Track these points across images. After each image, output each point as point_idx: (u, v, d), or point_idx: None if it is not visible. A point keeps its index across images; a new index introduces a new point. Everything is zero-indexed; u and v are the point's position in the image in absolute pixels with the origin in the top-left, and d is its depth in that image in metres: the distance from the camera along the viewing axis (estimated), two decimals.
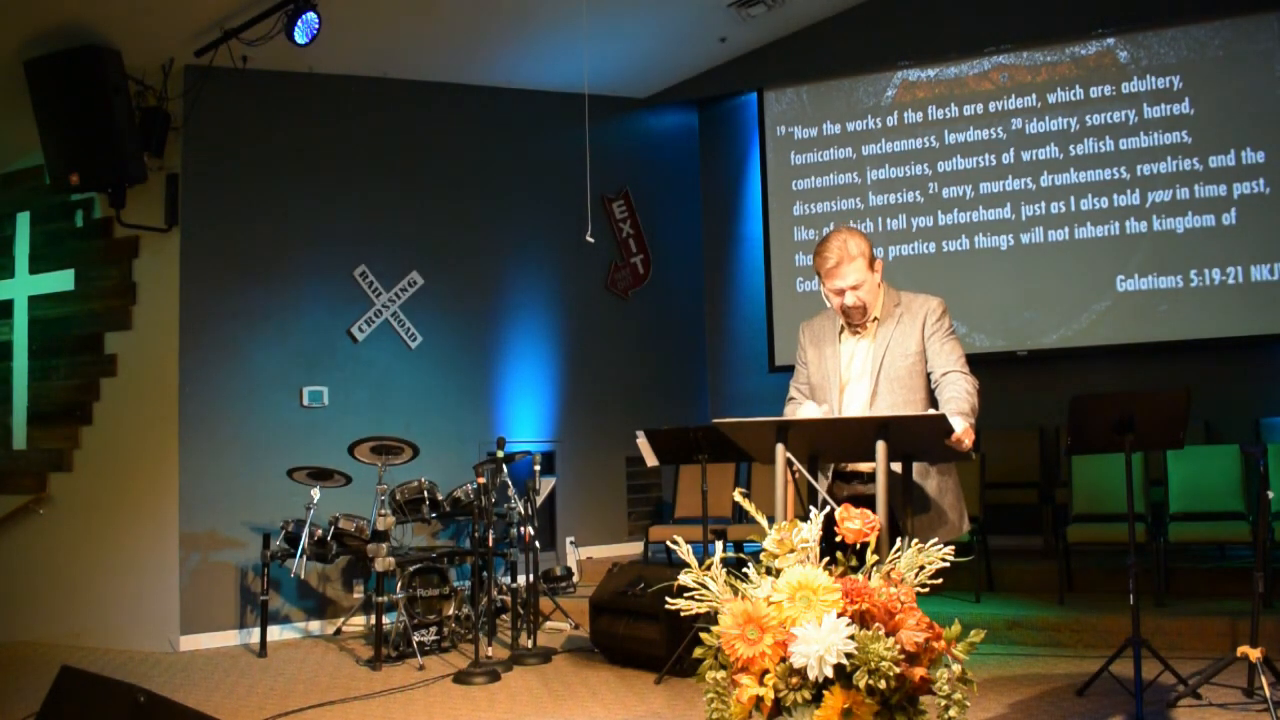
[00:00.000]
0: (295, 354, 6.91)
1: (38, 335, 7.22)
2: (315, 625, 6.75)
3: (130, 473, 6.66)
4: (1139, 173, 7.45)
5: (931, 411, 3.24)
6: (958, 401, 3.28)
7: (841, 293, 3.43)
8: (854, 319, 3.49)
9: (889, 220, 8.15)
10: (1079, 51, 7.66)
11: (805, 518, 2.81)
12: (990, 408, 3.86)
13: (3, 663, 6.20)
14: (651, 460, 5.66)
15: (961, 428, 3.08)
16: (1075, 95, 7.66)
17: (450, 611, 6.09)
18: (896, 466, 3.18)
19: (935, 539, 2.76)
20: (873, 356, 3.47)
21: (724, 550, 6.30)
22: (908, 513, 3.23)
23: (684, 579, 2.77)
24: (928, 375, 3.44)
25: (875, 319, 3.50)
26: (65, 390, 7.02)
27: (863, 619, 2.56)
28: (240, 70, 6.40)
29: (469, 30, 7.04)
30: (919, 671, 2.54)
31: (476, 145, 7.74)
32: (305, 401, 6.88)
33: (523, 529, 6.05)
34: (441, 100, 7.60)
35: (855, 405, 3.48)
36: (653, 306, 8.55)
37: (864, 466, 3.45)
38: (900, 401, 3.41)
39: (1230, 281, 7.20)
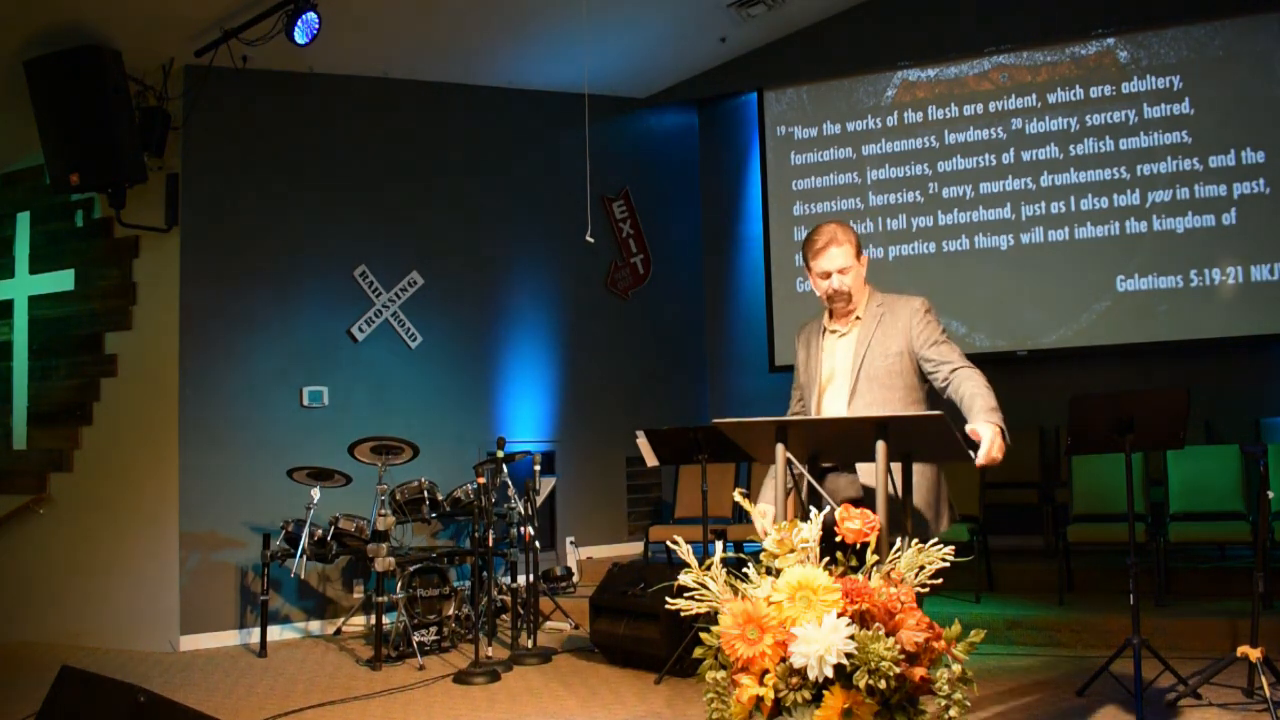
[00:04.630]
0: (295, 354, 6.91)
1: (38, 335, 7.23)
2: (315, 625, 6.75)
3: (130, 473, 6.66)
4: (1139, 173, 7.45)
5: (931, 412, 3.25)
6: (984, 397, 3.19)
7: (828, 275, 3.42)
8: (838, 305, 3.48)
9: (889, 220, 8.15)
10: (1079, 51, 7.66)
11: (805, 518, 2.82)
12: None
13: (3, 663, 6.20)
14: (651, 460, 5.66)
15: (989, 437, 3.05)
16: (1075, 95, 7.66)
17: (450, 611, 6.09)
18: (879, 469, 3.17)
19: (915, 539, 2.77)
20: (853, 355, 3.46)
21: (724, 550, 6.31)
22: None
23: (684, 579, 2.78)
24: (915, 374, 3.43)
25: (858, 318, 3.49)
26: (65, 390, 7.02)
27: (863, 619, 2.56)
28: (240, 70, 6.40)
29: (469, 30, 7.04)
30: (919, 671, 2.54)
31: (476, 145, 7.74)
32: (305, 401, 6.88)
33: (523, 529, 6.05)
34: (441, 100, 7.60)
35: (834, 404, 3.47)
36: (653, 306, 8.55)
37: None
38: (878, 400, 3.39)
39: (1230, 281, 7.21)
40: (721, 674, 2.68)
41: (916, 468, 3.43)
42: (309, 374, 6.94)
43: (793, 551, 2.72)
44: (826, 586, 2.59)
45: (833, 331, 3.54)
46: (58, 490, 6.95)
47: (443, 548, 6.62)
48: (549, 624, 6.60)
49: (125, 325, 6.79)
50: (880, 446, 2.97)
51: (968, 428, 3.12)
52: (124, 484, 6.67)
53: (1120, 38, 7.54)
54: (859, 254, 3.46)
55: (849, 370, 3.46)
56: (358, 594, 6.85)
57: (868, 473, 3.33)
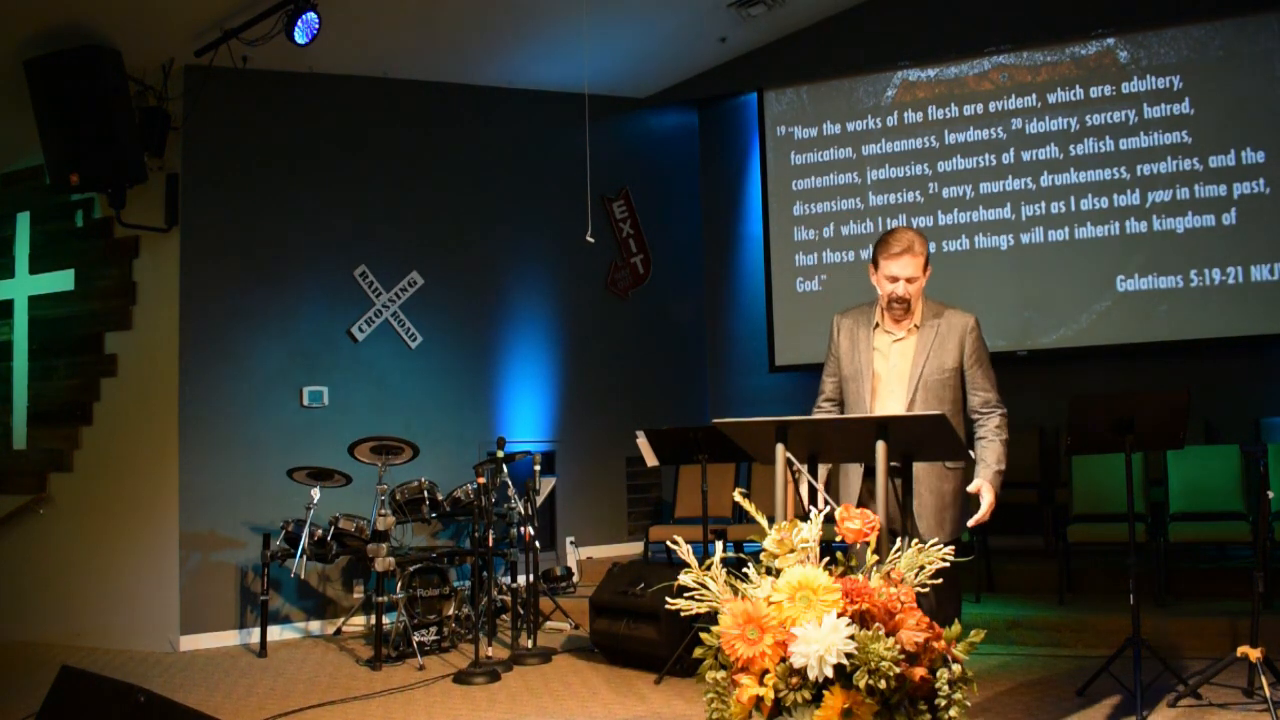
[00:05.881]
0: (295, 354, 6.90)
1: (38, 335, 7.22)
2: (315, 625, 6.75)
3: (130, 473, 6.66)
4: (1139, 173, 7.45)
5: (931, 412, 3.27)
6: (994, 452, 3.60)
7: (895, 280, 3.58)
8: (896, 311, 3.63)
9: (889, 220, 8.14)
10: (1079, 51, 7.66)
11: (805, 518, 2.82)
12: None
13: (3, 663, 6.20)
14: (651, 460, 5.66)
15: (988, 501, 3.50)
16: (1075, 95, 7.65)
17: (450, 611, 6.09)
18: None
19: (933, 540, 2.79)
20: (911, 363, 3.61)
21: (724, 550, 6.31)
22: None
23: (684, 579, 2.78)
24: (962, 389, 3.67)
25: (916, 326, 3.65)
26: (65, 390, 7.02)
27: (863, 619, 2.56)
28: (240, 70, 6.40)
29: (469, 30, 7.04)
30: (919, 671, 2.54)
31: (476, 145, 7.73)
32: (305, 401, 6.88)
33: (523, 529, 6.05)
34: (441, 100, 7.60)
35: (891, 408, 3.62)
36: (653, 306, 8.55)
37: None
38: (933, 410, 3.53)
39: (1230, 281, 7.20)
40: (721, 674, 2.69)
41: (941, 477, 3.53)
42: (309, 374, 6.93)
43: (793, 551, 2.72)
44: (826, 586, 2.59)
45: (888, 333, 3.67)
46: (58, 490, 6.94)
47: (443, 548, 6.62)
48: (549, 624, 6.59)
49: (125, 325, 6.79)
50: (880, 446, 2.97)
51: (972, 485, 3.58)
52: (124, 484, 6.67)
53: (1120, 38, 7.54)
54: (926, 266, 3.63)
55: (907, 377, 3.61)
56: (358, 594, 6.84)
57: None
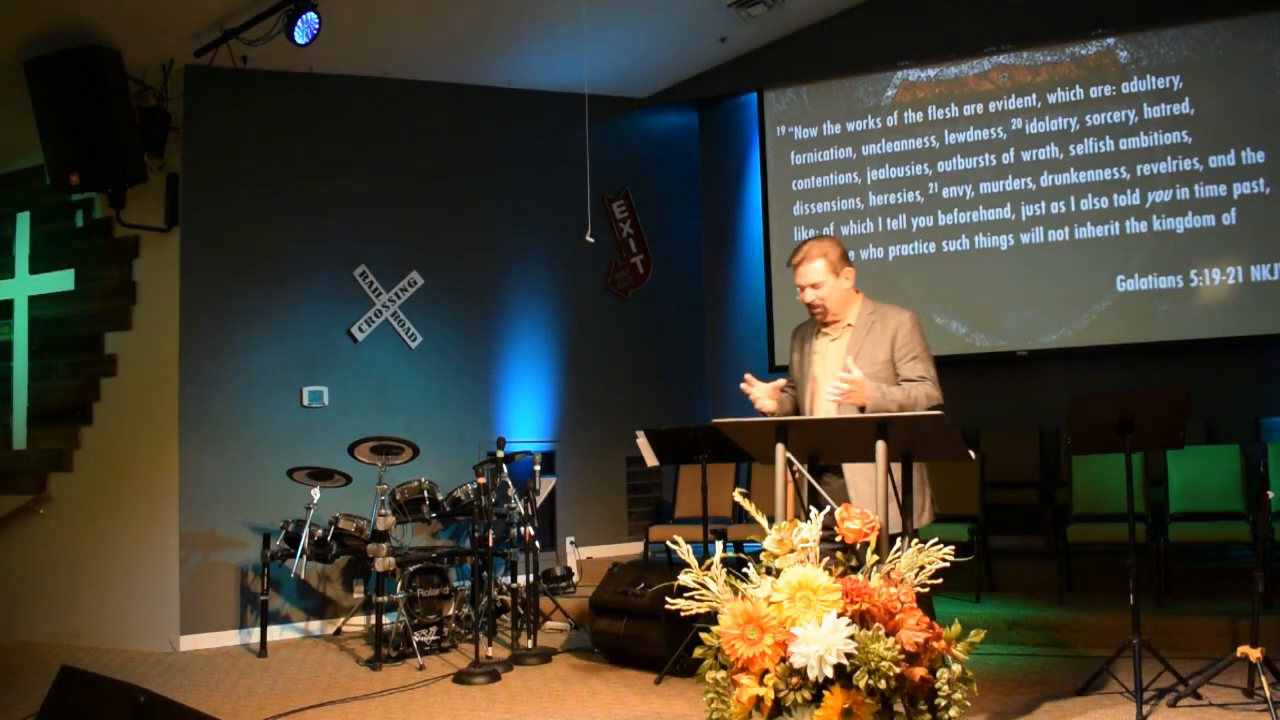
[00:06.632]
0: (295, 354, 6.91)
1: (38, 335, 7.22)
2: (315, 625, 6.75)
3: (130, 473, 6.66)
4: (1139, 173, 7.45)
5: (930, 411, 3.27)
6: (899, 390, 3.57)
7: (802, 289, 3.77)
8: (816, 315, 3.81)
9: (889, 220, 8.15)
10: (1079, 51, 7.66)
11: (805, 518, 2.82)
12: (990, 408, 3.95)
13: (3, 663, 6.20)
14: (651, 460, 5.66)
15: (857, 375, 3.42)
16: (1075, 95, 7.65)
17: (450, 611, 6.09)
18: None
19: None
20: (843, 360, 3.67)
21: (724, 550, 6.31)
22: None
23: (684, 579, 2.78)
24: (894, 379, 3.68)
25: (849, 325, 3.77)
26: (65, 390, 7.02)
27: (863, 619, 2.57)
28: (240, 70, 6.40)
29: (469, 30, 7.04)
30: (919, 671, 2.54)
31: (476, 145, 7.74)
32: (305, 401, 6.88)
33: (523, 529, 6.05)
34: (441, 100, 7.60)
35: (826, 405, 3.69)
36: (653, 306, 8.55)
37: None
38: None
39: (1230, 281, 7.20)
40: (721, 674, 2.69)
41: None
42: (309, 374, 6.93)
43: (793, 551, 2.72)
44: (826, 586, 2.59)
45: (826, 335, 3.83)
46: (58, 490, 6.95)
47: (443, 548, 6.62)
48: (549, 624, 6.59)
49: (125, 325, 6.79)
50: (880, 446, 2.98)
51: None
52: (124, 484, 6.67)
53: (1120, 38, 7.54)
54: (838, 270, 3.71)
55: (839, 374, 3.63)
56: (358, 594, 6.84)
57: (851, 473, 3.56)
